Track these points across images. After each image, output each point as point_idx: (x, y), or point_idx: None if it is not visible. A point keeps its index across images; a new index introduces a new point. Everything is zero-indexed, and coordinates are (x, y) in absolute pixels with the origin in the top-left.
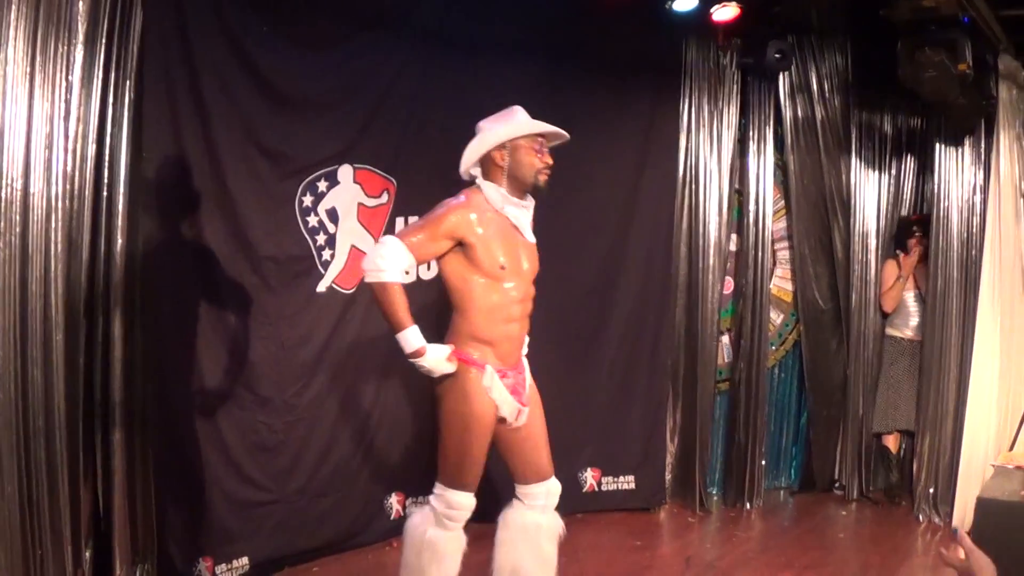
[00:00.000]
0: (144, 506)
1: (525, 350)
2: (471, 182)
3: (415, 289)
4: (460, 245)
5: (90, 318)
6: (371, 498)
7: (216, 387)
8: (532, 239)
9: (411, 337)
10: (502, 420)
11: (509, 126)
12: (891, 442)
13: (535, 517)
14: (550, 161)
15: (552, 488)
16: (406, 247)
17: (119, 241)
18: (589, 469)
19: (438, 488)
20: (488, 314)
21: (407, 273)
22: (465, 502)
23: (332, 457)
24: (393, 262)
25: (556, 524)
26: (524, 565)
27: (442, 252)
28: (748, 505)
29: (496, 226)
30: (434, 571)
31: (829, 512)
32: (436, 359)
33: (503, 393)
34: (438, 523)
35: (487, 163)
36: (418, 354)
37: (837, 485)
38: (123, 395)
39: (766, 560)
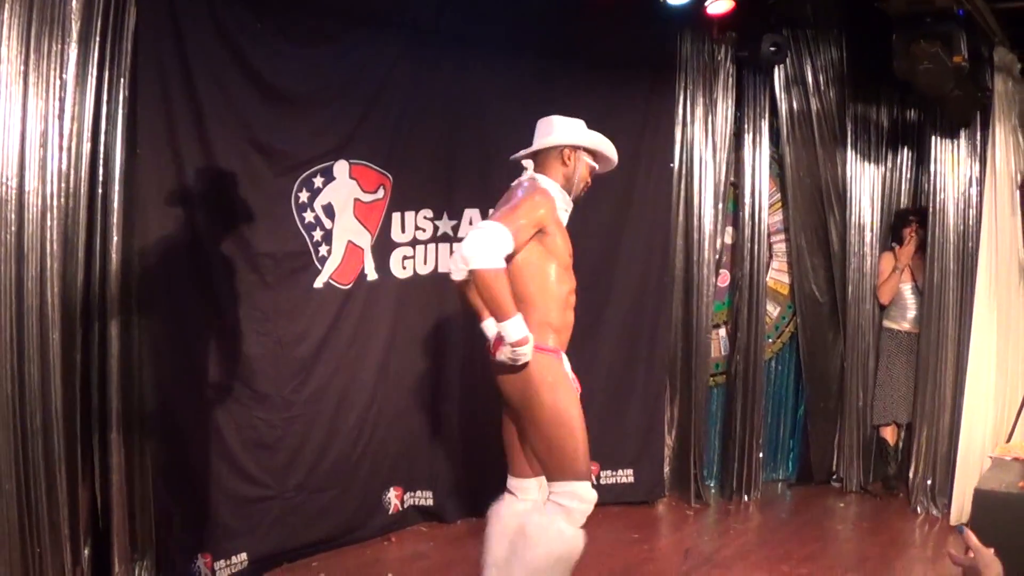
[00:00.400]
0: (142, 504)
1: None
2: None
3: (409, 285)
4: (539, 233)
5: (86, 316)
6: (369, 493)
7: (214, 384)
8: None
9: (520, 324)
10: None
11: (594, 137)
12: (889, 434)
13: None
14: (591, 183)
15: (544, 483)
16: (511, 233)
17: (115, 239)
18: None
19: (561, 486)
20: (560, 302)
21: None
22: (593, 493)
23: (330, 453)
24: (500, 248)
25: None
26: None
27: (529, 239)
28: (746, 497)
29: (558, 218)
30: (563, 569)
31: (827, 504)
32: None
33: (572, 377)
34: (571, 520)
35: (551, 157)
36: (523, 342)
37: (835, 477)
38: (120, 393)
39: (764, 552)
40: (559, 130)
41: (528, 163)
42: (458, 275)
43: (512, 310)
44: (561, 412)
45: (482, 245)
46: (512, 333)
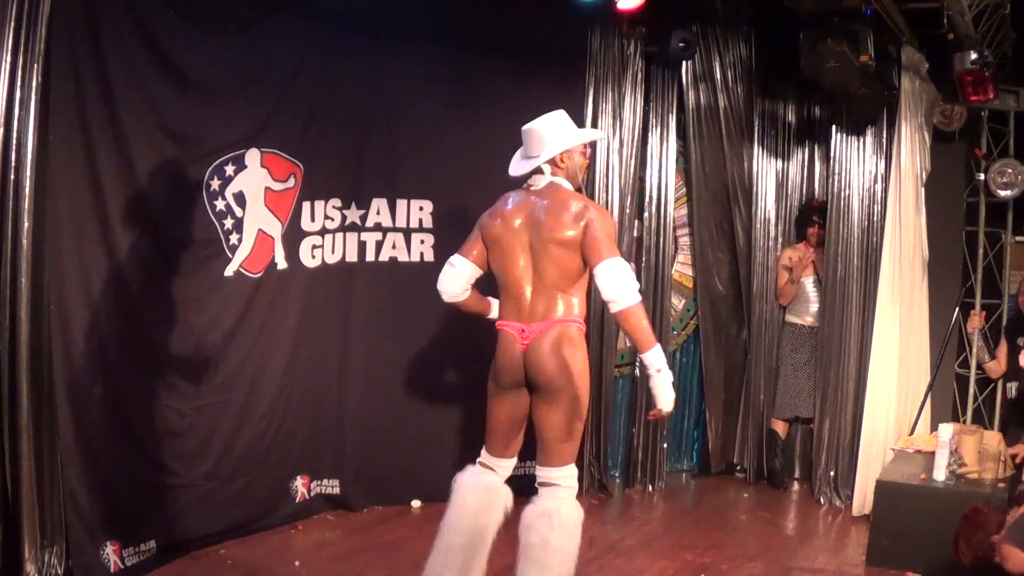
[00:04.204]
0: (52, 490)
1: None
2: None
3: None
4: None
5: None
6: (277, 481)
7: (124, 371)
8: None
9: (661, 353)
10: None
11: (583, 131)
12: (779, 427)
13: (507, 490)
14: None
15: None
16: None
17: (26, 224)
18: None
19: (565, 470)
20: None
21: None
22: None
23: (240, 441)
24: (634, 282)
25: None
26: (487, 530)
27: None
28: (650, 487)
29: None
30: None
31: (730, 495)
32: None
33: None
34: (574, 500)
35: (550, 162)
36: (663, 368)
37: (738, 468)
38: (30, 379)
39: (668, 541)
40: (548, 141)
41: (546, 167)
42: (452, 299)
43: (654, 339)
44: (586, 402)
45: (624, 284)
46: (658, 361)
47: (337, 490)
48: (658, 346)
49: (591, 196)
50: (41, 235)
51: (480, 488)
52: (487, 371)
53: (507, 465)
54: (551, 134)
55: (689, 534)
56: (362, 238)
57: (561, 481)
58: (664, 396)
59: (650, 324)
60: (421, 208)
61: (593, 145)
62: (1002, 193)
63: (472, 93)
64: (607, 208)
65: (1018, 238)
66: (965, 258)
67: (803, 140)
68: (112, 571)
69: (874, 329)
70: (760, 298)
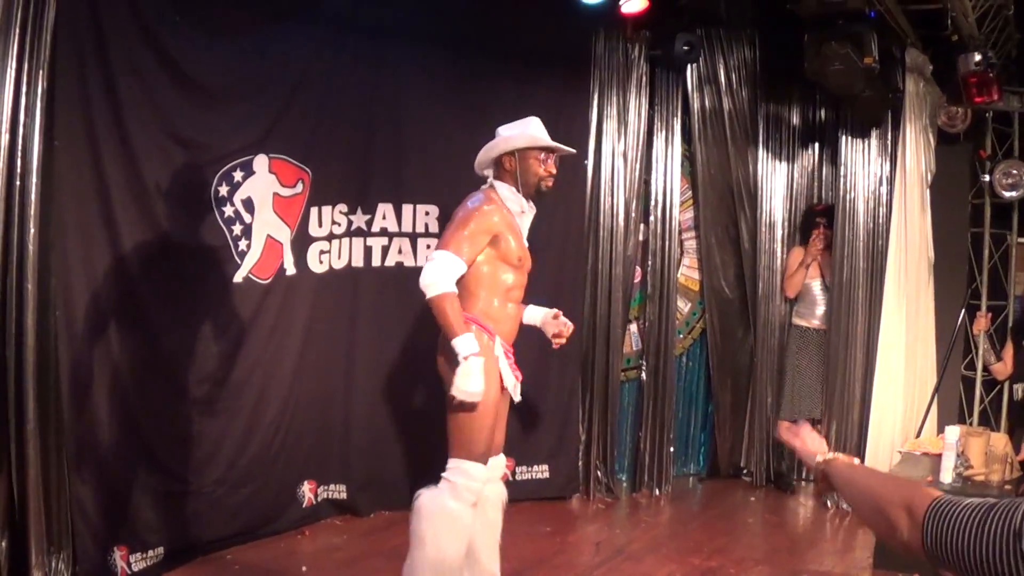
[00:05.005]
0: (59, 496)
1: None
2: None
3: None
4: (493, 239)
5: (2, 307)
6: (284, 486)
7: (133, 378)
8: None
9: (470, 341)
10: (502, 391)
11: (520, 138)
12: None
13: (485, 489)
14: (554, 171)
15: (500, 462)
16: (458, 257)
17: (31, 230)
18: (503, 459)
19: (453, 462)
20: (501, 296)
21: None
22: (481, 473)
23: (249, 447)
24: (449, 275)
25: (502, 492)
26: (475, 532)
27: (482, 249)
28: (657, 491)
29: (509, 222)
30: (450, 542)
31: (737, 498)
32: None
33: (507, 364)
34: (456, 495)
35: (499, 166)
36: (477, 354)
37: (745, 471)
38: (37, 385)
39: (675, 545)
40: (487, 148)
41: (488, 172)
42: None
43: (460, 328)
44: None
45: (433, 275)
46: (463, 348)
47: (344, 495)
48: (467, 335)
49: (596, 200)
50: (47, 241)
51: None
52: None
53: (492, 464)
54: (496, 140)
55: (696, 537)
56: (368, 243)
57: (447, 473)
58: (460, 382)
59: (458, 314)
60: (427, 213)
61: (556, 152)
62: (1007, 194)
63: (478, 98)
64: (612, 212)
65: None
66: (970, 260)
67: (807, 143)
68: None
69: (880, 331)
70: (766, 301)
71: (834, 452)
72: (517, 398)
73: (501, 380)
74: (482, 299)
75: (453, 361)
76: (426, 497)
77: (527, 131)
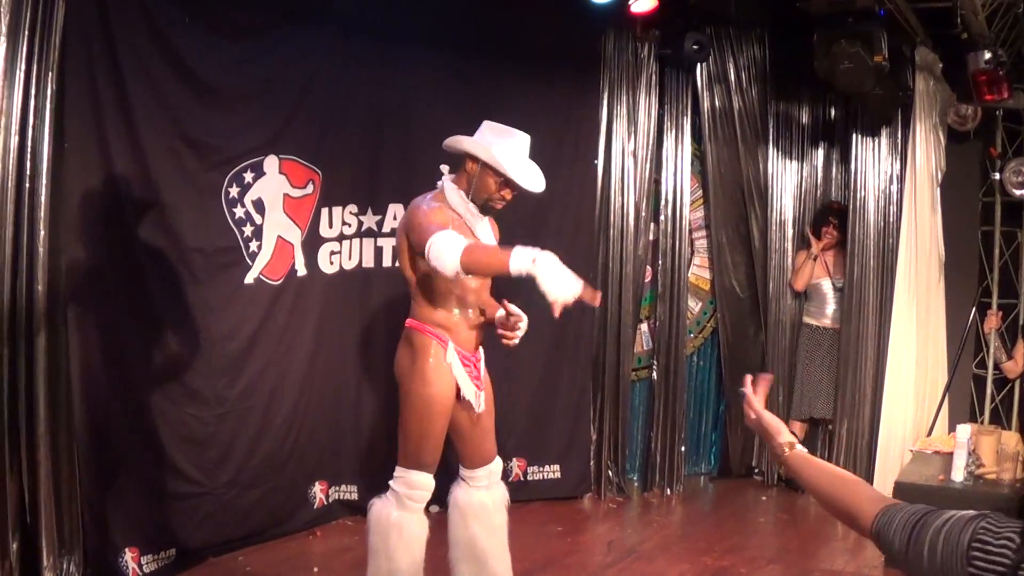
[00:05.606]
0: (70, 498)
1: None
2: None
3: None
4: None
5: (13, 310)
6: (295, 488)
7: (143, 380)
8: (488, 237)
9: (522, 251)
10: (461, 401)
11: (483, 152)
12: (797, 428)
13: (480, 496)
14: (507, 198)
15: (494, 468)
16: (448, 229)
17: (42, 233)
18: (514, 459)
19: (399, 471)
20: (453, 302)
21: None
22: (426, 482)
23: (261, 448)
24: (453, 244)
25: (502, 496)
26: (477, 538)
27: None
28: (668, 491)
29: (459, 225)
30: (402, 552)
31: (748, 497)
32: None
33: (463, 372)
34: (400, 505)
35: (462, 162)
36: (541, 254)
37: (756, 471)
38: (48, 387)
39: (687, 545)
40: (471, 138)
41: (444, 167)
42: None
43: (503, 253)
44: (419, 404)
45: (442, 253)
46: (523, 261)
47: (355, 496)
48: (516, 249)
49: (606, 201)
50: (57, 243)
51: (451, 504)
52: (503, 377)
53: (474, 475)
54: (473, 138)
55: (708, 537)
56: (379, 244)
57: (392, 483)
58: (551, 289)
59: (488, 249)
60: None
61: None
62: (1018, 192)
63: (486, 98)
64: (623, 212)
65: None
66: (981, 258)
67: (818, 141)
68: None
69: (891, 330)
70: (776, 299)
71: (792, 439)
72: (479, 408)
73: (458, 389)
74: (432, 306)
75: (400, 365)
76: (376, 507)
77: (495, 149)
